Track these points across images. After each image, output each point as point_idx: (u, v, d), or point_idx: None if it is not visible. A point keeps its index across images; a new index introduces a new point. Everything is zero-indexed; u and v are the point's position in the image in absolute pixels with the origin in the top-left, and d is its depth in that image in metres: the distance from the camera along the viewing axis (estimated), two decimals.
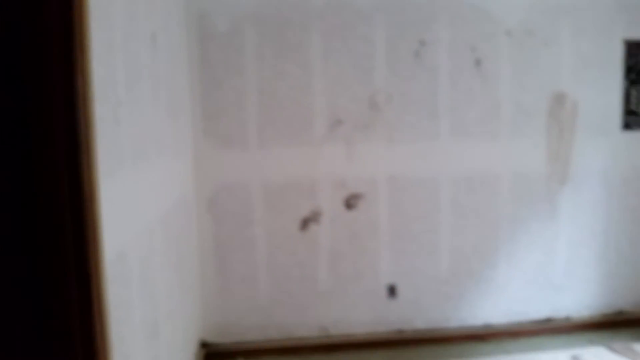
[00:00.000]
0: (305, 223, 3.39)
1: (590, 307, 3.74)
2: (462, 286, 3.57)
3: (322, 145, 3.34)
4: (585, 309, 3.73)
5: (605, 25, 3.53)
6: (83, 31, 1.40)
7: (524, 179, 3.55)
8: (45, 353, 1.44)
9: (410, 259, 3.50)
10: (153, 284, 2.12)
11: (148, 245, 2.05)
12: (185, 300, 2.90)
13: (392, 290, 3.52)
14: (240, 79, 3.23)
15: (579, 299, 3.71)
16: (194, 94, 3.22)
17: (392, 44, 3.32)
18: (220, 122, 3.26)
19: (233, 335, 3.41)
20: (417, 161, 3.43)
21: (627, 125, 3.66)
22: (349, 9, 3.27)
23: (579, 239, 3.66)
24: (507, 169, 3.52)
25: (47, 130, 1.35)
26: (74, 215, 1.42)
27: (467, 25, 3.36)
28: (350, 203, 3.42)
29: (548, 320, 3.68)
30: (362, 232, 3.45)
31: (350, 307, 3.49)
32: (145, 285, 1.99)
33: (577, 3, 3.47)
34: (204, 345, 3.38)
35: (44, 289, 1.43)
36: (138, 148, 1.93)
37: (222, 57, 3.21)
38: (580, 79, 3.53)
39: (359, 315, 3.50)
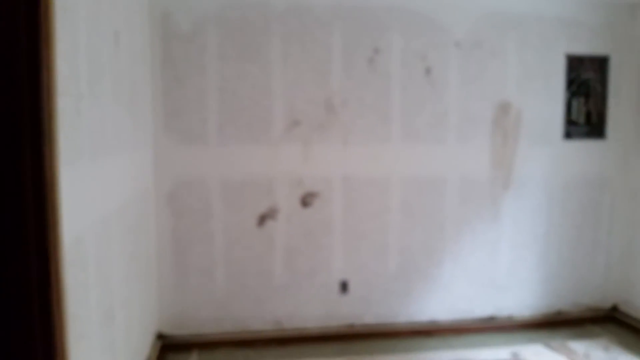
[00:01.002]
0: (262, 219, 3.57)
1: (531, 306, 4.04)
2: (410, 283, 3.81)
3: (280, 144, 3.53)
4: (526, 308, 4.03)
5: (549, 40, 3.85)
6: (48, 29, 1.57)
7: (470, 183, 3.83)
8: (4, 327, 1.58)
9: (361, 256, 3.72)
10: (109, 271, 2.27)
11: (105, 234, 2.20)
12: (142, 291, 3.05)
13: (344, 286, 3.73)
14: (201, 78, 3.40)
15: (520, 298, 4.00)
16: (156, 91, 3.37)
17: (348, 50, 3.55)
18: (181, 119, 3.42)
19: (189, 327, 3.56)
20: (370, 163, 3.66)
21: (568, 135, 3.98)
22: (308, 15, 3.48)
23: (521, 241, 3.96)
24: (454, 172, 3.79)
25: (13, 120, 1.50)
26: (35, 198, 1.58)
27: (418, 35, 3.63)
28: (306, 201, 3.62)
29: (491, 319, 3.97)
30: (317, 230, 3.65)
31: (304, 302, 3.69)
32: (101, 271, 2.14)
33: (523, 18, 3.78)
34: (160, 336, 3.52)
35: (5, 266, 1.57)
36: (98, 140, 2.09)
37: (185, 56, 3.38)
38: (524, 90, 3.84)
39: (312, 309, 3.70)
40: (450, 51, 3.70)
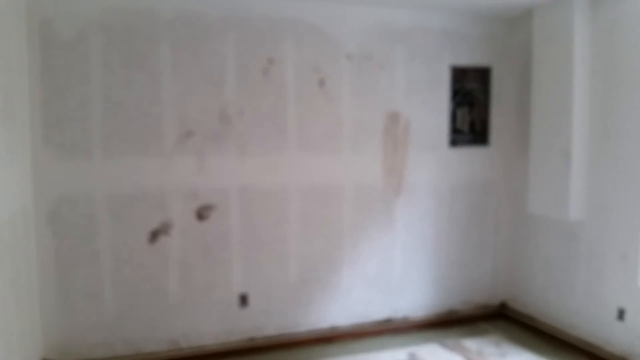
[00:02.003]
0: (154, 235, 3.59)
1: (425, 307, 4.41)
2: (310, 292, 4.01)
3: (173, 156, 3.58)
4: (420, 309, 4.39)
5: (434, 52, 4.25)
6: None
7: (365, 191, 4.12)
8: None
9: (261, 268, 3.87)
10: None
11: None
12: (23, 317, 2.95)
13: (243, 300, 3.84)
14: (85, 87, 3.37)
15: (414, 300, 4.36)
16: (35, 102, 3.28)
17: (242, 59, 3.69)
18: (63, 131, 3.35)
19: (78, 352, 3.48)
20: (268, 173, 3.82)
21: (454, 142, 4.41)
22: (199, 23, 3.58)
23: (413, 244, 4.32)
24: (350, 181, 4.06)
25: None
26: None
27: (311, 47, 3.86)
28: (202, 214, 3.69)
29: (388, 321, 4.27)
30: (214, 243, 3.74)
31: (201, 319, 3.75)
32: None
33: (410, 31, 4.15)
34: None
35: None
36: None
37: (66, 65, 3.33)
38: (412, 100, 4.21)
39: (211, 326, 3.77)
40: (342, 63, 3.97)
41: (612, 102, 3.60)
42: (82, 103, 3.38)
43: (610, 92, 3.61)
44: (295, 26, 3.82)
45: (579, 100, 3.76)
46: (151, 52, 3.51)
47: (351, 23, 3.97)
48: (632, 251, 3.47)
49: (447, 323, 4.45)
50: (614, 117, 3.59)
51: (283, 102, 3.83)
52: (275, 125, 3.82)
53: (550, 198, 3.99)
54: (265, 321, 3.92)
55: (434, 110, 4.32)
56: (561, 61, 3.83)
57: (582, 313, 3.88)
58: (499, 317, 4.63)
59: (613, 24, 3.56)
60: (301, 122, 3.89)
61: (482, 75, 4.50)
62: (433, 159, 4.34)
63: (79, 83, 3.37)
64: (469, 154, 4.48)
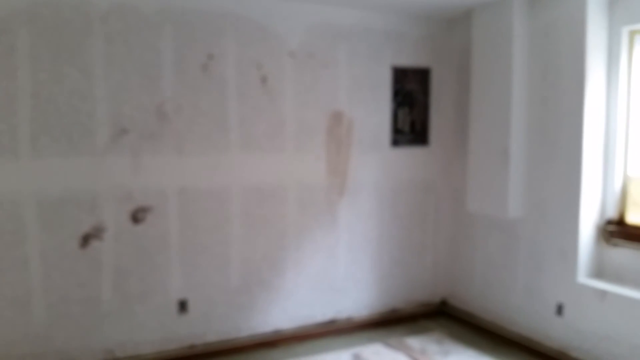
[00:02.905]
0: (86, 239, 3.51)
1: (368, 306, 4.54)
2: (253, 295, 4.04)
3: (106, 155, 3.52)
4: (364, 308, 4.51)
5: (376, 52, 4.40)
6: None
7: (309, 191, 4.20)
8: None
9: (201, 271, 3.86)
10: None
11: None
12: None
13: (182, 306, 3.81)
14: (11, 82, 3.25)
15: (358, 300, 4.48)
16: None
17: (180, 54, 3.68)
18: None
19: None
20: (209, 173, 3.82)
21: (396, 142, 4.57)
22: (134, 15, 3.54)
23: (357, 244, 4.44)
24: (294, 181, 4.13)
25: None
26: None
27: (253, 43, 3.90)
28: (137, 217, 3.64)
29: (332, 322, 4.37)
30: (150, 247, 3.70)
31: (138, 327, 3.70)
32: None
33: (352, 30, 4.27)
34: None
35: None
36: None
37: None
38: (355, 100, 4.33)
39: (148, 334, 3.72)
40: (284, 60, 4.03)
41: (548, 102, 3.85)
42: (7, 99, 3.25)
43: (547, 93, 3.86)
44: (236, 21, 3.84)
45: (517, 100, 3.99)
46: (83, 46, 3.43)
47: (294, 20, 4.04)
48: (571, 247, 3.72)
49: (390, 322, 4.60)
50: (550, 117, 3.85)
51: (224, 99, 3.84)
52: (215, 123, 3.83)
53: (489, 196, 4.21)
54: (205, 327, 3.90)
55: (377, 111, 4.46)
56: (500, 62, 4.06)
57: (522, 309, 4.11)
58: (440, 315, 4.83)
59: (550, 26, 3.82)
60: (243, 120, 3.91)
61: (422, 76, 4.68)
62: (376, 159, 4.48)
63: (4, 78, 3.24)
64: (410, 154, 4.65)
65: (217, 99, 3.82)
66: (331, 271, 4.36)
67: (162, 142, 3.68)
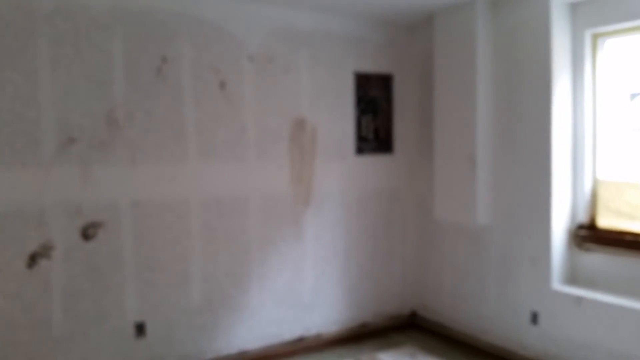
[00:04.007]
0: (33, 259, 3.22)
1: (338, 322, 4.36)
2: (216, 315, 3.80)
3: (52, 166, 3.25)
4: (333, 324, 4.33)
5: (338, 57, 4.27)
6: None
7: (272, 201, 4.01)
8: None
9: (159, 291, 3.60)
10: None
11: None
12: None
13: (140, 329, 3.55)
14: None
15: (327, 315, 4.30)
16: None
17: (132, 57, 3.45)
18: None
19: None
20: (164, 184, 3.58)
21: (360, 150, 4.44)
22: (82, 15, 3.30)
23: (324, 257, 4.27)
24: (256, 191, 3.93)
25: None
26: None
27: (210, 46, 3.71)
28: (88, 233, 3.38)
29: (300, 340, 4.17)
30: (103, 266, 3.43)
31: (92, 353, 3.41)
32: None
33: (313, 34, 4.13)
34: None
35: None
36: None
37: None
38: (318, 106, 4.19)
39: None
40: (244, 65, 3.85)
41: (514, 107, 3.80)
42: None
43: (512, 97, 3.81)
44: (191, 22, 3.64)
45: (482, 105, 3.93)
46: (26, 49, 3.15)
47: (252, 22, 3.87)
48: (543, 253, 3.65)
49: (360, 337, 4.44)
50: (517, 121, 3.79)
51: (180, 104, 3.62)
52: (171, 131, 3.59)
53: (456, 203, 4.12)
54: (165, 351, 3.63)
55: (340, 118, 4.33)
56: (463, 66, 3.99)
57: (495, 318, 4.01)
58: (410, 327, 4.69)
59: (513, 29, 3.78)
60: (201, 127, 3.69)
61: (384, 82, 4.59)
62: (340, 167, 4.34)
63: None
64: (375, 162, 4.54)
65: (172, 105, 3.59)
66: (298, 286, 4.16)
67: (113, 152, 3.42)
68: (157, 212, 3.57)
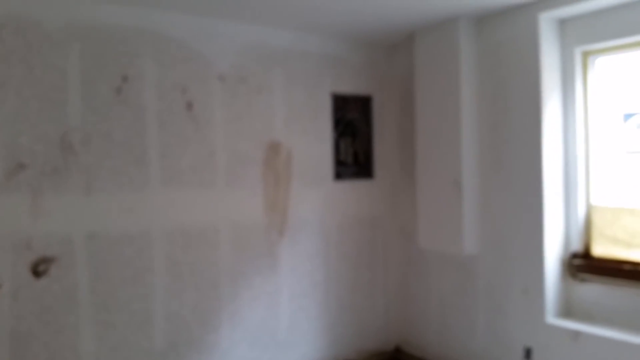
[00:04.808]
0: None
1: None
2: (182, 358, 3.49)
3: None
4: None
5: (315, 78, 4.06)
6: None
7: (244, 231, 3.73)
8: None
9: (118, 332, 3.28)
10: None
11: None
12: None
13: None
14: None
15: (304, 353, 4.00)
16: None
17: (89, 76, 3.18)
18: None
19: None
20: (124, 214, 3.28)
21: (339, 175, 4.20)
22: (34, 31, 3.04)
23: (301, 290, 3.98)
24: (227, 220, 3.65)
25: None
26: None
27: (176, 64, 3.46)
28: (38, 270, 3.06)
29: None
30: (56, 305, 3.11)
31: None
32: None
33: (288, 53, 3.90)
34: None
35: None
36: None
37: None
38: (293, 129, 3.94)
39: None
40: (213, 85, 3.59)
41: (501, 128, 3.60)
42: None
43: (499, 118, 3.61)
44: (155, 40, 3.38)
45: (467, 127, 3.72)
46: None
47: (223, 41, 3.63)
48: (535, 284, 3.41)
49: None
50: (504, 144, 3.58)
51: (142, 127, 3.33)
52: (131, 155, 3.30)
53: (442, 232, 3.88)
54: None
55: (317, 141, 4.09)
56: (447, 87, 3.79)
57: (485, 354, 3.74)
58: None
59: (499, 47, 3.59)
60: (165, 151, 3.41)
61: (363, 103, 4.39)
62: (318, 193, 4.08)
63: None
64: (354, 188, 4.30)
65: (133, 128, 3.31)
66: (273, 323, 3.85)
67: (67, 179, 3.12)
68: (115, 245, 3.25)
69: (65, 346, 3.12)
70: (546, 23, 3.36)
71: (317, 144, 4.09)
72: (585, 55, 3.39)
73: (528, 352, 3.45)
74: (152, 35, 3.38)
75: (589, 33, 3.30)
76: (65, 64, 3.12)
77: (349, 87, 4.27)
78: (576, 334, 3.19)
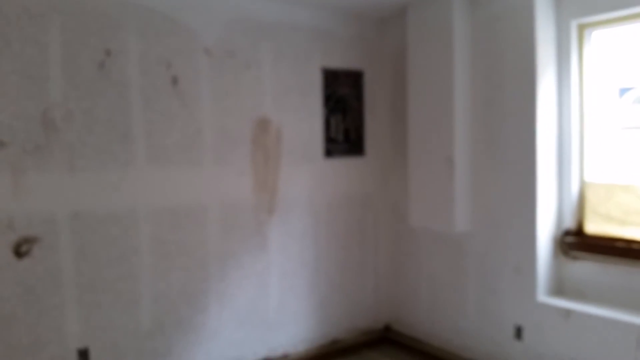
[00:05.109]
0: None
1: (306, 340, 4.04)
2: (169, 339, 3.44)
3: None
4: (301, 342, 4.01)
5: (304, 52, 3.96)
6: None
7: (233, 210, 3.66)
8: None
9: (104, 313, 3.22)
10: None
11: None
12: None
13: (83, 356, 3.18)
14: None
15: (294, 333, 3.97)
16: None
17: (71, 50, 3.07)
18: None
19: None
20: (108, 193, 3.20)
21: (329, 153, 4.12)
22: (11, 4, 2.92)
23: (291, 269, 3.94)
24: (215, 199, 3.58)
25: None
26: None
27: (160, 38, 3.34)
28: (21, 250, 2.99)
29: None
30: (39, 287, 3.03)
31: None
32: None
33: (278, 27, 3.80)
34: None
35: None
36: None
37: None
38: (283, 105, 3.86)
39: None
40: (199, 59, 3.49)
41: (495, 104, 3.54)
42: None
43: (493, 94, 3.55)
44: (138, 12, 3.26)
45: (460, 103, 3.66)
46: None
47: (209, 13, 3.52)
48: (527, 263, 3.38)
49: (331, 355, 4.14)
50: (498, 120, 3.53)
51: (126, 103, 3.23)
52: (116, 133, 3.21)
53: (433, 210, 3.84)
54: None
55: (307, 117, 4.01)
56: (440, 62, 3.71)
57: (476, 333, 3.74)
58: (383, 342, 4.41)
59: (494, 21, 3.51)
60: (150, 128, 3.32)
61: (354, 79, 4.30)
62: (308, 171, 4.02)
63: None
64: (345, 165, 4.24)
65: (117, 104, 3.21)
66: (262, 302, 3.81)
67: (49, 157, 3.02)
68: (100, 224, 3.18)
69: (50, 328, 3.06)
70: None
71: (307, 120, 4.01)
72: (581, 28, 3.31)
73: (519, 331, 3.44)
74: (136, 7, 3.26)
75: (585, 5, 3.22)
76: (45, 37, 3.00)
77: (339, 62, 4.18)
78: (567, 313, 3.18)
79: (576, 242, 3.36)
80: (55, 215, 3.06)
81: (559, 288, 3.43)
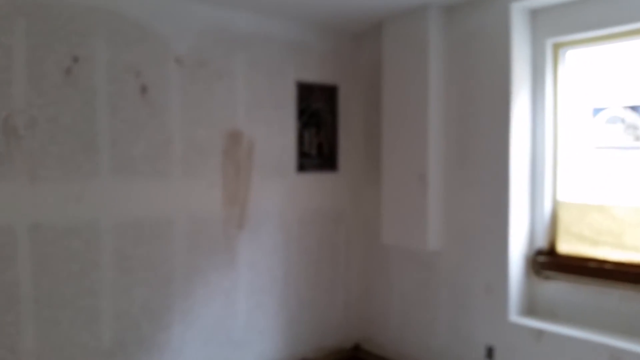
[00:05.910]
0: None
1: (274, 359, 3.93)
2: (131, 357, 3.34)
3: None
4: None
5: (278, 65, 3.94)
6: None
7: (200, 224, 3.59)
8: None
9: (62, 330, 3.11)
10: None
11: None
12: None
13: None
14: None
15: (261, 352, 3.91)
16: None
17: (36, 55, 2.98)
18: None
19: None
20: (70, 204, 3.10)
21: (302, 167, 4.10)
22: None
23: (260, 286, 3.88)
24: (182, 212, 3.51)
25: None
26: None
27: (130, 45, 3.28)
28: None
29: None
30: None
31: None
32: None
33: (252, 38, 3.78)
34: None
35: None
36: None
37: None
38: (256, 118, 3.82)
39: None
40: (170, 68, 3.44)
41: (469, 122, 3.57)
42: None
43: (467, 111, 3.58)
44: (108, 18, 3.20)
45: (434, 120, 3.68)
46: None
47: (181, 22, 3.47)
48: (499, 282, 3.39)
49: None
50: (472, 138, 3.55)
51: (92, 111, 3.15)
52: (80, 142, 3.12)
53: (405, 227, 3.83)
54: None
55: (280, 131, 3.98)
56: (414, 78, 3.73)
57: (446, 353, 3.72)
58: None
59: (469, 38, 3.54)
60: (116, 138, 3.24)
61: (329, 93, 4.30)
62: (280, 185, 3.98)
63: None
64: (318, 180, 4.22)
65: (82, 111, 3.12)
66: (229, 321, 3.73)
67: (9, 166, 2.92)
68: (60, 237, 3.07)
69: (3, 345, 2.93)
70: (518, 13, 3.32)
71: (280, 134, 3.98)
72: (556, 47, 3.37)
73: (490, 351, 3.44)
74: (106, 13, 3.19)
75: (560, 24, 3.28)
76: (9, 40, 2.91)
77: (314, 76, 4.17)
78: (539, 333, 3.19)
79: (548, 261, 3.38)
80: (14, 227, 2.94)
81: (531, 308, 3.44)
